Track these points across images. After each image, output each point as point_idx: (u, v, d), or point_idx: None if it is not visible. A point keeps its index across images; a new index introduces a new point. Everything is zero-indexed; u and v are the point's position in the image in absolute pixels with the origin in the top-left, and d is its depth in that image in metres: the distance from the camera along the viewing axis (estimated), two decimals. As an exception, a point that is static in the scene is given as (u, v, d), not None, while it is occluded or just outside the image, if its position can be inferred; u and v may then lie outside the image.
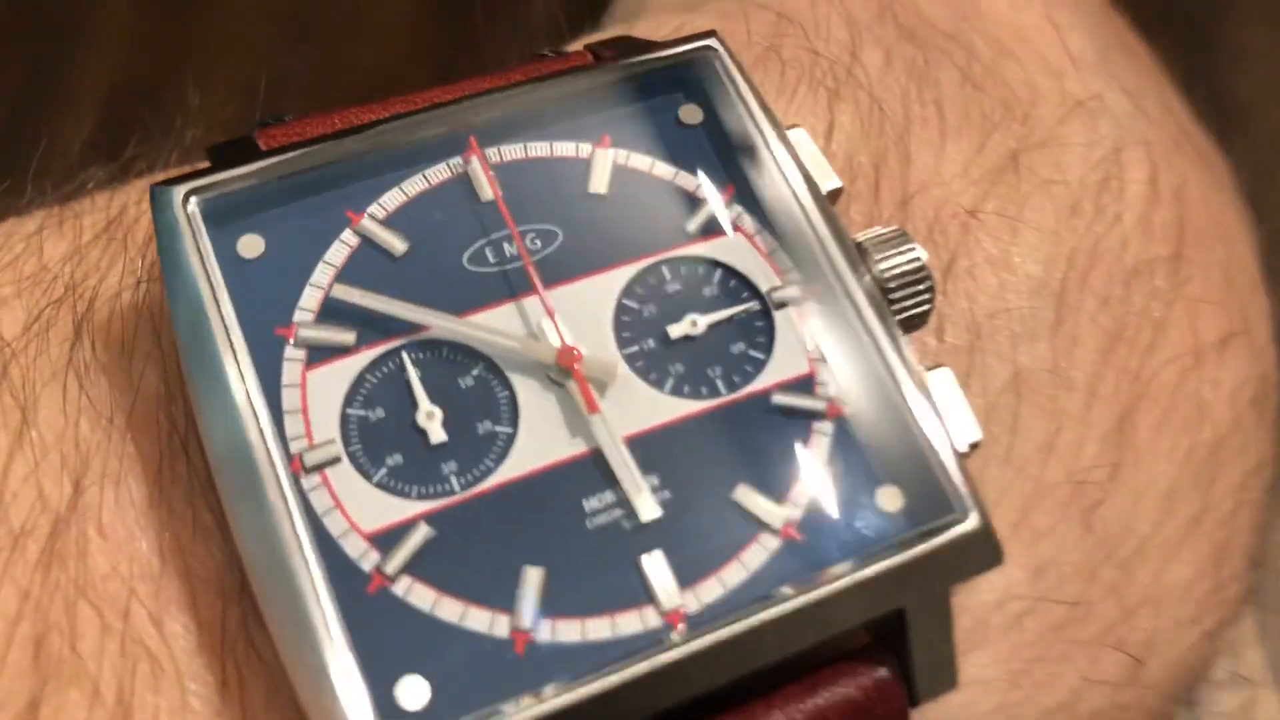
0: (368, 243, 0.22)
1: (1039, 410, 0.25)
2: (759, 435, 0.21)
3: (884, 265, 0.23)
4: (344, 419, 0.21)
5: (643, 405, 0.21)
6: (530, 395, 0.21)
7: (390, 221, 0.22)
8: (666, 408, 0.21)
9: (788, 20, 0.28)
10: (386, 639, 0.19)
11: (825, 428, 0.22)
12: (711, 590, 0.20)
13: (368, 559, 0.20)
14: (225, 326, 0.21)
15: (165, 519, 0.21)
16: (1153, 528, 0.26)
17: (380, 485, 0.20)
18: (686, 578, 0.20)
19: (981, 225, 0.26)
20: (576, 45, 0.28)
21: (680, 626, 0.20)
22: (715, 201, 0.23)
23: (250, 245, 0.22)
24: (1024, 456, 0.24)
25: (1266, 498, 0.29)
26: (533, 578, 0.20)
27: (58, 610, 0.20)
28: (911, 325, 0.23)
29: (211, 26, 0.46)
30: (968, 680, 0.24)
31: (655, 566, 0.20)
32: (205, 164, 0.23)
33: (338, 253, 0.22)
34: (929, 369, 0.23)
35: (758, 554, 0.20)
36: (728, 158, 0.24)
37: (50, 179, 0.27)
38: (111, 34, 0.45)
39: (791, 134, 0.24)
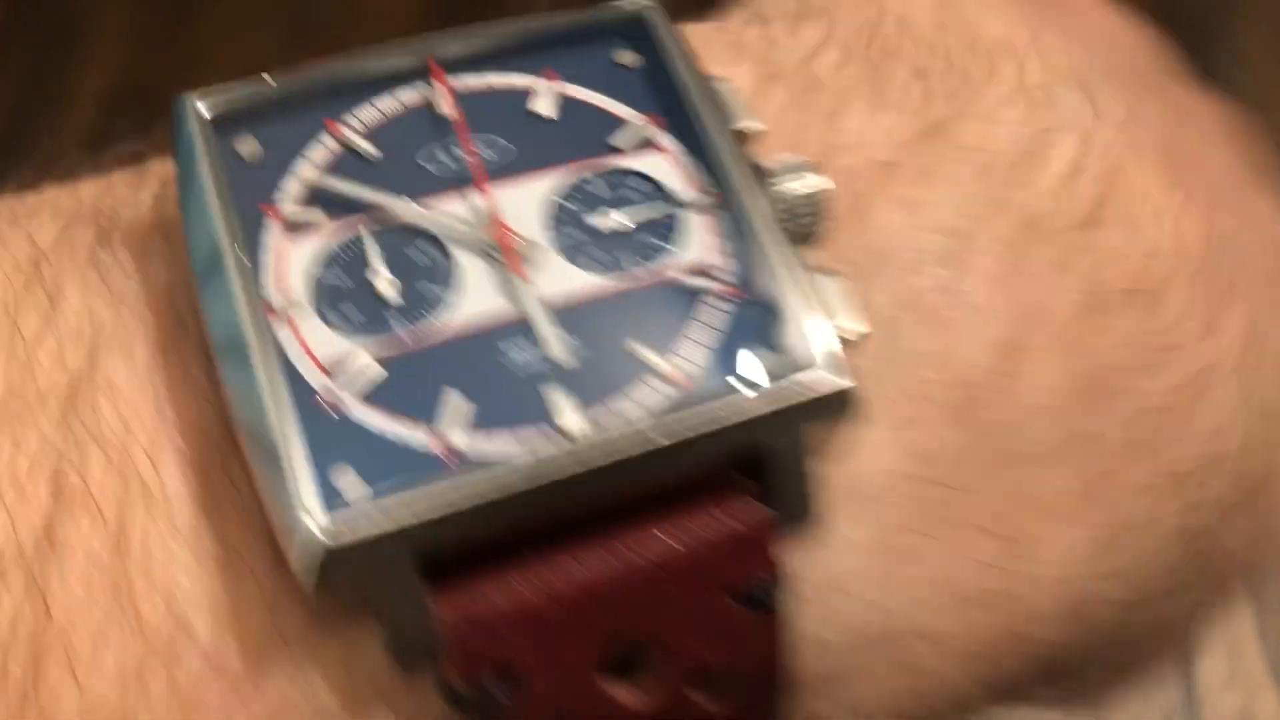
0: (342, 145, 0.29)
1: (927, 322, 0.30)
2: (658, 306, 0.27)
3: (782, 186, 0.29)
4: (311, 279, 0.27)
5: (563, 279, 0.27)
6: (468, 265, 0.27)
7: (362, 130, 0.29)
8: (583, 280, 0.27)
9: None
10: (331, 443, 0.25)
11: (716, 303, 0.27)
12: (605, 418, 0.26)
13: (320, 382, 0.26)
14: (222, 206, 0.27)
15: (163, 379, 0.27)
16: (1037, 436, 0.31)
17: (336, 329, 0.26)
18: (585, 406, 0.26)
19: (894, 176, 0.31)
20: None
21: (579, 443, 0.25)
22: (642, 125, 0.29)
23: (246, 144, 0.28)
24: (908, 358, 0.29)
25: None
26: (454, 400, 0.26)
27: (71, 450, 0.26)
28: (803, 241, 0.29)
29: (211, 26, 0.53)
30: (845, 544, 0.28)
31: (558, 398, 0.26)
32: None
33: (317, 153, 0.28)
34: (821, 272, 0.28)
35: (648, 394, 0.26)
36: (657, 93, 0.30)
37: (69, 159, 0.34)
38: (111, 33, 0.53)
39: (719, 85, 0.31)
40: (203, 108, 0.28)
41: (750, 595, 0.26)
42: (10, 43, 0.52)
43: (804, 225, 0.29)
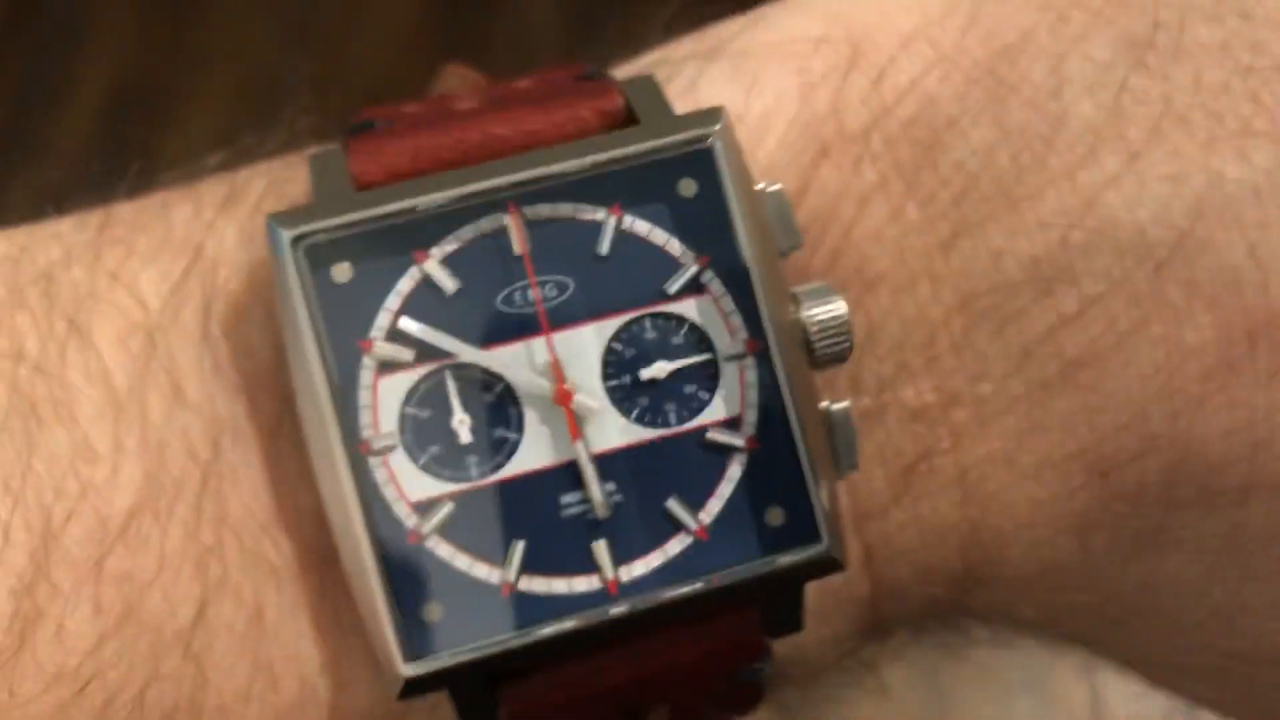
0: (427, 279, 0.32)
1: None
2: (692, 460, 0.32)
3: (810, 312, 0.33)
4: (402, 417, 0.32)
5: (613, 430, 0.32)
6: (533, 413, 0.32)
7: (445, 262, 0.32)
8: (630, 433, 0.32)
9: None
10: (418, 575, 0.31)
11: (741, 459, 0.32)
12: (638, 569, 0.32)
13: (410, 520, 0.31)
14: (318, 337, 0.31)
15: (277, 464, 0.33)
16: None
17: (423, 468, 0.32)
18: (622, 558, 0.32)
19: (879, 285, 0.35)
20: (616, 69, 0.37)
21: (614, 591, 0.31)
22: (693, 267, 0.33)
23: (342, 271, 0.32)
24: None
25: None
26: (518, 547, 0.32)
27: (208, 537, 0.32)
28: (832, 362, 0.34)
29: (212, 27, 0.52)
30: None
31: (601, 549, 0.32)
32: (314, 148, 0.33)
33: (405, 284, 0.32)
34: (835, 405, 0.33)
35: (675, 546, 0.32)
36: (710, 228, 0.33)
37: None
38: (112, 34, 0.52)
39: (771, 191, 0.34)
40: (297, 239, 0.32)
41: (745, 678, 0.33)
42: (12, 40, 0.51)
43: (831, 348, 0.33)
